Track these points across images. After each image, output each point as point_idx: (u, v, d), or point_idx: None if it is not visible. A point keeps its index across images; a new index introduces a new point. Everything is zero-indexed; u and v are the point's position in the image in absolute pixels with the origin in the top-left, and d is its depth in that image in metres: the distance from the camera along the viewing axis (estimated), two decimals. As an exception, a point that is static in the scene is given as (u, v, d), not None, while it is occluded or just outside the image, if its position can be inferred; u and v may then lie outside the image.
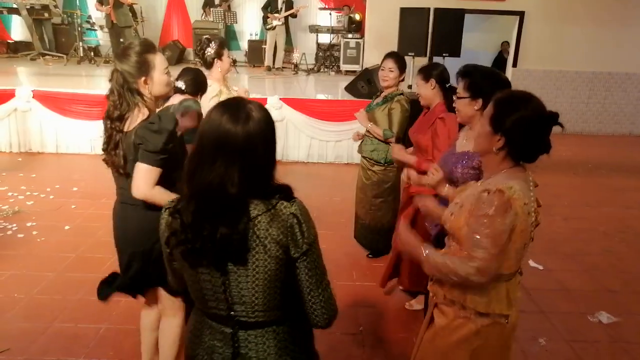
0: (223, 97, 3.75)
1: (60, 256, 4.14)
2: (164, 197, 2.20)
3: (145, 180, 2.18)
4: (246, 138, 1.37)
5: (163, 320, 2.57)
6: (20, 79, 8.46)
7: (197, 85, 3.31)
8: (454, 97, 2.46)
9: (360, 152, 4.14)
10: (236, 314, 1.48)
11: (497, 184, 1.74)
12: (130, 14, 9.58)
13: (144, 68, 2.24)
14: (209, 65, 3.76)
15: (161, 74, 2.30)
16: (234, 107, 1.42)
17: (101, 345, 3.09)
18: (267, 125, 1.43)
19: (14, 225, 4.67)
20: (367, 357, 3.13)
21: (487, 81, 2.34)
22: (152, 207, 2.26)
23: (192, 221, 1.40)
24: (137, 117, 2.24)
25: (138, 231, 2.35)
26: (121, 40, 9.08)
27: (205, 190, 1.38)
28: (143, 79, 2.25)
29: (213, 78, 3.77)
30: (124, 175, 2.31)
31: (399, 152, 3.44)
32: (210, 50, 3.73)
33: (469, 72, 2.40)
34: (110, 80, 2.28)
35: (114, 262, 3.91)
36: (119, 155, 2.27)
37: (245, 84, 8.78)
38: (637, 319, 3.64)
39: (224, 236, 1.37)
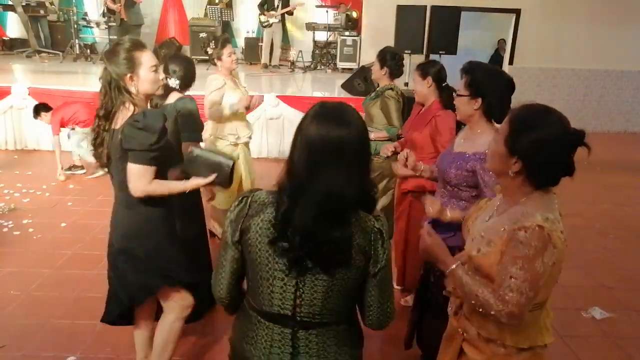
0: (228, 90, 4.01)
1: (56, 253, 4.14)
2: (162, 188, 2.24)
3: (140, 181, 2.19)
4: (360, 139, 1.41)
5: (165, 316, 2.54)
6: (16, 76, 8.44)
7: (188, 79, 3.34)
8: (454, 94, 2.42)
9: None
10: (301, 315, 1.48)
11: (532, 219, 1.54)
12: (141, 13, 9.56)
13: (130, 65, 2.23)
14: (213, 62, 4.02)
15: (148, 72, 2.27)
16: (337, 110, 1.43)
17: (98, 342, 3.10)
18: (364, 123, 1.47)
19: (10, 222, 4.67)
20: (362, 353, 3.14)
21: (488, 80, 2.29)
22: (148, 210, 2.30)
23: (308, 229, 1.38)
24: (125, 115, 2.22)
25: (126, 230, 2.37)
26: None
27: (326, 199, 1.37)
28: (129, 75, 2.24)
29: (218, 72, 4.01)
30: (109, 173, 2.34)
31: (400, 170, 3.40)
32: (210, 51, 3.94)
33: (472, 69, 2.33)
34: (100, 78, 2.28)
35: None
36: (103, 153, 2.28)
37: (242, 81, 8.77)
38: (632, 315, 3.67)
39: (337, 240, 1.39)
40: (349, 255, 1.41)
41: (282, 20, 10.27)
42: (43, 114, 5.85)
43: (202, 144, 3.47)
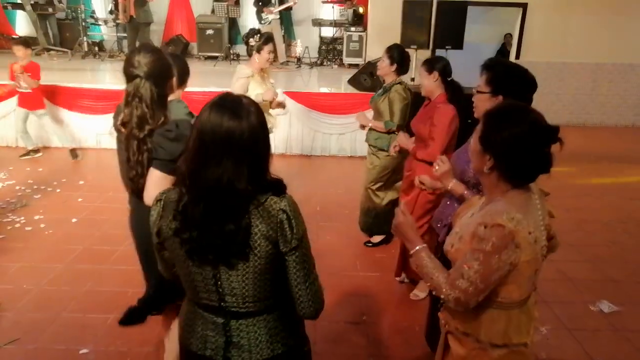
0: (253, 83, 4.14)
1: (68, 248, 4.20)
2: None
3: (158, 188, 2.12)
4: (251, 132, 1.40)
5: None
6: (26, 74, 8.49)
7: (183, 75, 2.75)
8: (473, 91, 2.32)
9: (367, 141, 4.28)
10: (227, 305, 1.51)
11: (495, 216, 1.56)
12: (151, 11, 9.59)
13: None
14: (250, 54, 4.16)
15: None
16: (231, 103, 1.43)
17: (109, 335, 3.14)
18: (263, 117, 1.48)
19: (22, 218, 4.73)
20: (370, 346, 3.17)
21: (511, 78, 2.21)
22: None
23: (200, 220, 1.42)
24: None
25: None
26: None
27: (215, 189, 1.39)
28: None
29: (250, 65, 4.15)
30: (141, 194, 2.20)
31: (402, 137, 3.61)
32: (253, 42, 4.07)
33: (493, 66, 2.25)
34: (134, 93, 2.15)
35: (121, 254, 4.04)
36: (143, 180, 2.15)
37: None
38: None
39: (231, 232, 1.40)
40: (246, 245, 1.42)
41: (281, 17, 10.25)
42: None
43: None
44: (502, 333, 1.70)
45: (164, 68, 2.22)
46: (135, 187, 2.21)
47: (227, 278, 1.47)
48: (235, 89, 4.03)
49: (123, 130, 2.19)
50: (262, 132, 1.45)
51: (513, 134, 1.56)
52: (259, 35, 4.13)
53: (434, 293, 1.70)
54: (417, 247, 1.75)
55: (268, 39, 4.16)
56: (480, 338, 1.72)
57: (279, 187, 1.48)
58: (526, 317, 1.74)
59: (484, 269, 1.56)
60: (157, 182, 2.11)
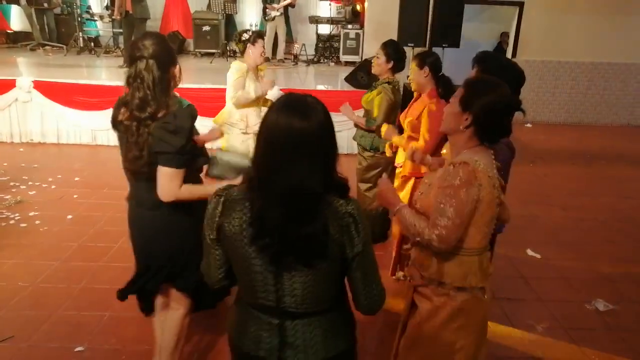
0: (248, 80, 4.08)
1: (63, 245, 4.17)
2: (193, 192, 2.19)
3: (172, 184, 2.13)
4: (322, 131, 1.39)
5: (175, 311, 2.55)
6: (21, 70, 8.45)
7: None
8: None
9: (354, 139, 4.26)
10: (285, 306, 1.49)
11: (462, 158, 1.85)
12: (148, 7, 9.52)
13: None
14: (243, 51, 4.10)
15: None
16: (297, 103, 1.41)
17: (104, 333, 3.13)
18: (329, 115, 1.45)
19: (17, 214, 4.70)
20: (368, 344, 3.16)
21: (502, 71, 2.31)
22: (173, 210, 2.22)
23: (279, 224, 1.39)
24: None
25: (159, 234, 2.30)
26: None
27: (291, 192, 1.37)
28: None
29: (244, 61, 4.10)
30: (143, 179, 2.21)
31: (388, 131, 3.55)
32: (246, 36, 4.04)
33: (486, 60, 2.39)
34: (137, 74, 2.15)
35: (116, 251, 4.02)
36: (143, 160, 2.14)
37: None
38: (636, 307, 3.68)
39: (311, 234, 1.39)
40: (325, 246, 1.41)
41: (285, 14, 10.23)
42: None
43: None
44: (463, 276, 1.93)
45: (168, 52, 2.22)
46: (134, 169, 2.19)
47: (290, 279, 1.45)
48: (233, 86, 4.00)
49: (123, 119, 2.17)
50: (330, 130, 1.43)
51: (491, 100, 1.84)
52: (250, 32, 4.10)
53: (418, 240, 1.92)
54: (399, 206, 1.98)
55: (260, 34, 4.15)
56: (444, 280, 1.94)
57: (344, 188, 1.47)
58: (483, 264, 1.97)
59: (456, 202, 1.80)
60: (171, 178, 2.12)
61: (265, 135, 1.40)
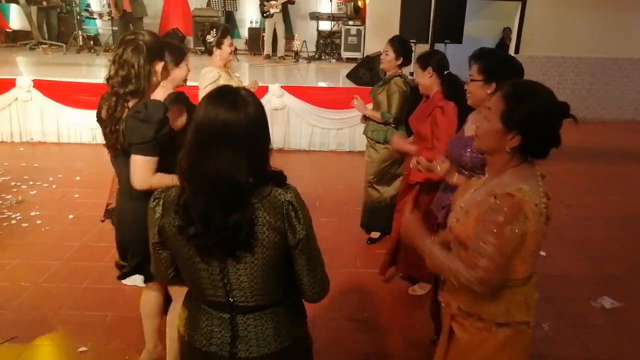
0: (222, 82, 3.75)
1: (65, 245, 4.16)
2: (166, 180, 2.17)
3: (144, 172, 2.18)
4: (249, 123, 1.40)
5: (173, 305, 2.56)
6: (20, 69, 8.43)
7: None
8: (467, 79, 2.39)
9: (364, 133, 4.27)
10: (235, 300, 1.51)
11: (504, 187, 1.59)
12: (145, 6, 9.51)
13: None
14: (210, 52, 3.88)
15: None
16: (228, 94, 1.44)
17: (107, 333, 3.11)
18: (262, 108, 1.48)
19: (18, 214, 4.68)
20: (371, 343, 3.15)
21: (502, 66, 2.29)
22: (144, 199, 2.24)
23: (202, 213, 1.40)
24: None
25: (135, 222, 2.31)
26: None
27: (214, 181, 1.38)
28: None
29: (213, 64, 3.86)
30: (121, 155, 2.26)
31: (398, 141, 3.48)
32: (210, 38, 3.80)
33: (485, 55, 2.35)
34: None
35: (119, 251, 3.99)
36: (119, 139, 2.21)
37: (245, 72, 8.75)
38: (641, 305, 3.66)
39: (236, 224, 1.39)
40: (251, 236, 1.41)
41: (284, 10, 10.18)
42: None
43: None
44: (505, 311, 1.71)
45: (159, 47, 2.31)
46: (111, 144, 2.25)
47: (235, 272, 1.46)
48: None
49: (103, 116, 2.25)
50: (260, 123, 1.45)
51: (538, 108, 1.60)
52: (214, 29, 3.86)
53: (452, 280, 1.70)
54: (428, 245, 1.77)
55: (225, 30, 3.92)
56: (483, 316, 1.73)
57: (280, 178, 1.49)
58: (528, 296, 1.75)
59: (499, 242, 1.56)
60: (141, 166, 2.17)
61: (194, 125, 1.42)
